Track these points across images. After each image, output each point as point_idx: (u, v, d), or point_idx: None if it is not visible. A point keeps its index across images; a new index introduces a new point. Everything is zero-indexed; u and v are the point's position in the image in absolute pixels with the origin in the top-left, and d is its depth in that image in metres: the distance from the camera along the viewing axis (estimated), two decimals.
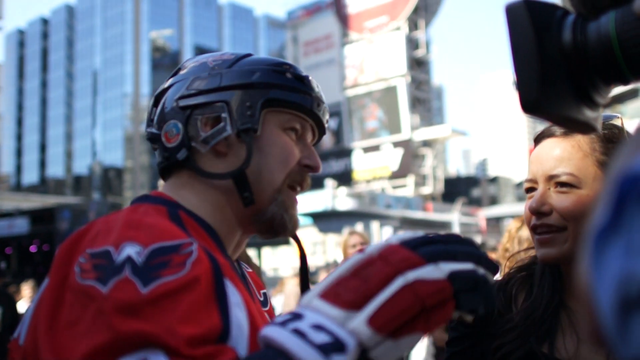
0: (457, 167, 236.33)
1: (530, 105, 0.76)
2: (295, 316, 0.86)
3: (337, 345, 0.81)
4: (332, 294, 0.86)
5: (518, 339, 1.40)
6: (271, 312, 1.42)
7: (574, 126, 0.83)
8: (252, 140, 1.24)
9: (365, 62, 61.77)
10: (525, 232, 3.40)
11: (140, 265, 0.94)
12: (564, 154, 1.42)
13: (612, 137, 1.42)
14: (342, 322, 0.83)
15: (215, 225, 1.24)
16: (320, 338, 0.81)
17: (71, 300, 0.95)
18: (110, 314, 0.89)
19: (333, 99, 61.49)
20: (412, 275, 0.86)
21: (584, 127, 0.81)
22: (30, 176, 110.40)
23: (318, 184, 43.41)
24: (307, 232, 36.71)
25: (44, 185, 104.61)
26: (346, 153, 61.72)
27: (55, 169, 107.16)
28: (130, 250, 0.96)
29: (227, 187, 1.25)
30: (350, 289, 0.86)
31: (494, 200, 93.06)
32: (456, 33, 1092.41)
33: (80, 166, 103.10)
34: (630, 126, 1.47)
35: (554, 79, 0.76)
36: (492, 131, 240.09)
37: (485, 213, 54.12)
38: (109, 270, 0.94)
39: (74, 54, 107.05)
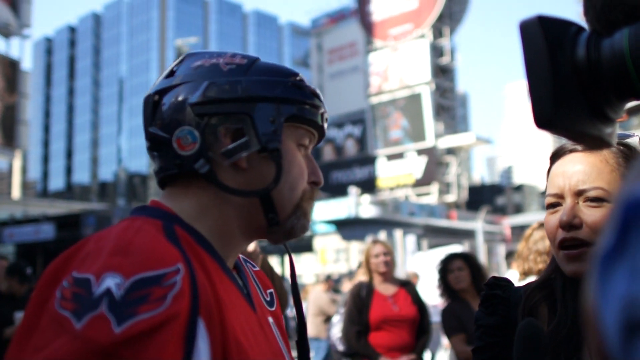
0: (482, 175, 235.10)
1: (544, 121, 0.76)
2: None
3: None
4: None
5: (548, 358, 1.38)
6: (278, 313, 1.39)
7: (589, 141, 0.83)
8: (280, 159, 1.21)
9: (390, 70, 61.70)
10: (532, 239, 3.44)
11: (118, 299, 0.91)
12: (592, 168, 1.40)
13: (633, 156, 1.42)
14: None
15: (215, 238, 1.20)
16: None
17: (45, 325, 0.93)
18: (80, 354, 0.87)
19: (357, 107, 61.55)
20: None
21: (599, 142, 0.81)
22: (57, 182, 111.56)
23: (342, 191, 43.38)
24: (330, 240, 36.69)
25: (69, 191, 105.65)
26: (370, 160, 61.63)
27: (81, 176, 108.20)
28: (110, 282, 0.93)
29: (243, 203, 1.22)
30: None
31: (518, 209, 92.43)
32: (481, 41, 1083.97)
33: (106, 172, 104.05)
34: None
35: (568, 95, 0.76)
36: (516, 139, 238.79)
37: (509, 221, 53.70)
38: (86, 303, 0.91)
39: (101, 61, 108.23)
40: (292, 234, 1.27)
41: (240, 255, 1.37)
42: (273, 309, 1.37)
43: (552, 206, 1.46)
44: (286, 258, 1.46)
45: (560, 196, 1.44)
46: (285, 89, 1.24)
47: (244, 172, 1.21)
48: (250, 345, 1.11)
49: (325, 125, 1.33)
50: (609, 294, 0.46)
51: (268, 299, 1.38)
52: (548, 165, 1.54)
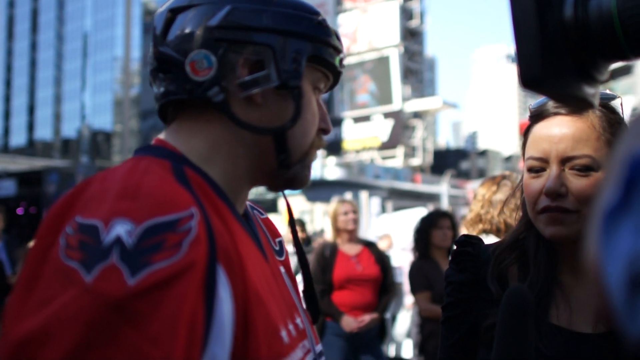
0: (447, 139, 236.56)
1: (531, 81, 0.75)
2: None
3: None
4: None
5: None
6: (287, 262, 1.33)
7: (573, 103, 0.82)
8: (300, 98, 1.14)
9: (359, 32, 61.38)
10: (499, 196, 3.39)
11: (130, 248, 0.84)
12: (581, 134, 1.37)
13: (617, 119, 1.39)
14: None
15: (225, 181, 1.13)
16: None
17: (50, 275, 0.86)
18: (91, 308, 0.81)
19: None
20: None
21: (583, 104, 0.80)
22: (18, 138, 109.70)
23: None
24: (295, 201, 36.73)
25: (31, 147, 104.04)
26: (336, 122, 61.48)
27: (44, 132, 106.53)
28: (120, 230, 0.85)
29: (254, 141, 1.14)
30: None
31: (482, 173, 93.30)
32: (451, 4, 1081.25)
33: (69, 129, 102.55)
34: (623, 102, 1.46)
35: (555, 55, 0.75)
36: (482, 104, 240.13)
37: (473, 186, 54.22)
38: (95, 253, 0.84)
39: (64, 15, 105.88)
40: (293, 183, 1.21)
41: (248, 202, 1.29)
42: (282, 258, 1.32)
43: (534, 170, 1.43)
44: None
45: (545, 161, 1.40)
46: (311, 25, 1.15)
47: (258, 107, 1.13)
48: (267, 297, 1.05)
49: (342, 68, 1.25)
50: (613, 250, 0.46)
51: (277, 248, 1.33)
52: (528, 123, 1.49)
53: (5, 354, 0.83)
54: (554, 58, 0.76)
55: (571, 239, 1.38)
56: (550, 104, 1.43)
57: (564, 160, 1.37)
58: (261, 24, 1.11)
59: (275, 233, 1.37)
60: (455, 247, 1.58)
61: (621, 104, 1.43)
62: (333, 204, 5.89)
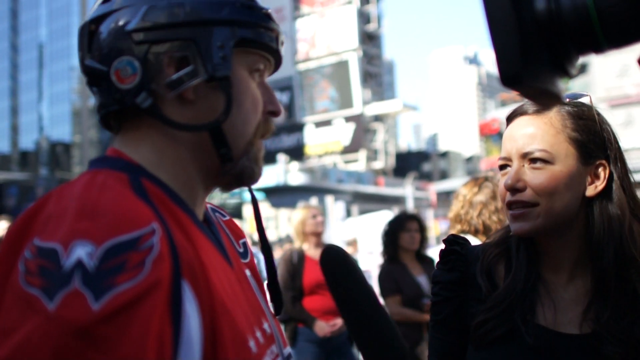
0: (408, 141, 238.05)
1: (513, 79, 0.74)
2: None
3: None
4: None
5: (502, 315, 1.44)
6: (252, 264, 1.31)
7: (546, 99, 0.80)
8: (230, 88, 1.09)
9: (317, 36, 61.54)
10: (480, 197, 3.47)
11: (91, 271, 0.81)
12: (537, 131, 1.45)
13: (582, 115, 1.46)
14: None
15: (179, 187, 1.10)
16: None
17: (10, 303, 0.83)
18: (56, 337, 0.78)
19: (284, 74, 61.16)
20: None
21: (555, 99, 0.79)
22: None
23: (270, 158, 43.18)
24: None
25: None
26: (298, 128, 61.58)
27: (1, 144, 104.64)
28: (81, 252, 0.82)
29: (195, 140, 1.11)
30: None
31: (444, 175, 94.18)
32: (408, 7, 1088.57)
33: (27, 141, 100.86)
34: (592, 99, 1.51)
35: (533, 50, 0.74)
36: (442, 106, 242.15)
37: (436, 187, 54.75)
38: (56, 279, 0.81)
39: (19, 25, 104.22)
40: (242, 178, 1.17)
41: (209, 205, 1.28)
42: (247, 260, 1.30)
43: (502, 168, 1.50)
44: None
45: (509, 159, 1.48)
46: (233, 9, 1.11)
47: (191, 105, 1.09)
48: (232, 305, 1.04)
49: (282, 49, 1.21)
50: None
51: (241, 250, 1.30)
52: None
53: None
54: (532, 53, 0.74)
55: (539, 234, 1.45)
56: (520, 106, 1.51)
57: (523, 156, 1.45)
58: (179, 19, 1.07)
59: (238, 235, 1.34)
60: (443, 246, 1.62)
61: (590, 100, 1.50)
62: (299, 211, 5.90)
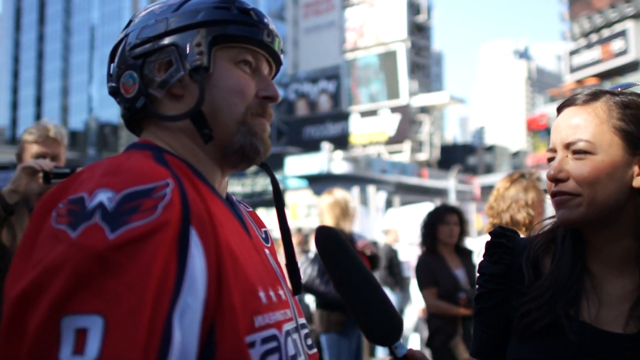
0: (454, 134, 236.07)
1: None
2: None
3: None
4: None
5: (546, 305, 1.43)
6: (273, 249, 1.43)
7: None
8: (203, 77, 1.26)
9: (366, 26, 61.32)
10: (511, 192, 3.54)
11: (110, 211, 0.98)
12: (581, 121, 1.43)
13: (630, 104, 1.43)
14: None
15: (195, 166, 1.27)
16: None
17: (42, 240, 1.00)
18: (76, 259, 0.94)
19: (332, 62, 61.18)
20: None
21: None
22: None
23: (314, 146, 43.41)
24: (302, 195, 36.76)
25: None
26: (343, 117, 61.53)
27: None
28: (103, 197, 0.99)
29: (190, 128, 1.27)
30: None
31: (489, 169, 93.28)
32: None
33: (76, 121, 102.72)
34: None
35: None
36: (490, 100, 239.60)
37: (480, 181, 54.22)
38: (80, 216, 0.98)
39: (72, 7, 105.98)
40: (245, 155, 1.31)
41: (233, 197, 1.42)
42: (269, 245, 1.42)
43: (549, 161, 1.49)
44: (257, 212, 1.45)
45: (554, 150, 1.47)
46: (208, 12, 1.29)
47: (182, 99, 1.28)
48: (245, 261, 1.17)
49: (273, 42, 1.35)
50: None
51: (263, 236, 1.44)
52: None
53: (7, 311, 0.96)
54: None
55: (582, 224, 1.43)
56: (568, 98, 1.51)
57: (566, 147, 1.44)
58: (163, 30, 1.28)
59: (260, 224, 1.48)
60: (490, 238, 1.61)
61: None
62: (335, 194, 5.84)
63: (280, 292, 1.26)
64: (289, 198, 36.20)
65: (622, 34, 44.33)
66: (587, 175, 1.39)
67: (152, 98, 1.29)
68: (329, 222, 5.63)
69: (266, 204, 29.02)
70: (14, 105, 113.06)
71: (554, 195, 1.45)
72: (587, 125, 1.42)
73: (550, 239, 1.54)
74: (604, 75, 45.00)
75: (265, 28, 1.33)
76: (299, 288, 1.43)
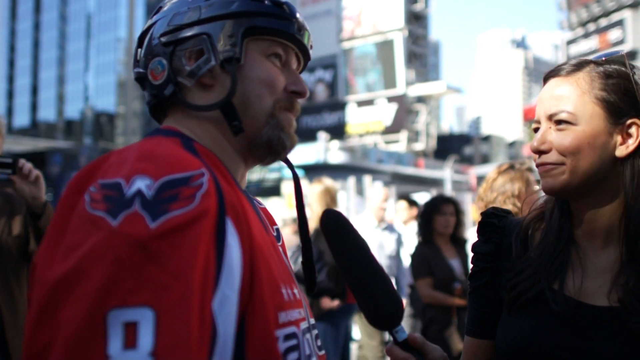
0: (451, 124, 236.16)
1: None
2: None
3: None
4: None
5: (531, 278, 1.45)
6: (284, 247, 1.44)
7: None
8: (235, 68, 1.24)
9: (363, 15, 61.14)
10: (499, 183, 3.55)
11: (149, 199, 0.95)
12: (563, 92, 1.45)
13: (612, 73, 1.44)
14: None
15: (221, 157, 1.25)
16: None
17: (76, 225, 0.96)
18: (118, 247, 0.91)
19: (329, 51, 61.01)
20: None
21: None
22: (22, 119, 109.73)
23: (310, 136, 43.32)
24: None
25: (35, 128, 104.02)
26: (340, 106, 61.43)
27: (47, 113, 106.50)
28: (141, 184, 0.97)
29: (218, 118, 1.26)
30: None
31: (485, 159, 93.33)
32: None
33: (72, 110, 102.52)
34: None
35: None
36: (487, 90, 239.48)
37: (476, 171, 54.25)
38: (119, 203, 0.95)
39: None
40: (272, 148, 1.30)
41: (247, 192, 1.40)
42: (280, 243, 1.42)
43: (535, 132, 1.51)
44: None
45: (538, 122, 1.49)
46: (242, 3, 1.27)
47: (212, 89, 1.27)
48: (269, 254, 1.17)
49: (303, 37, 1.34)
50: None
51: (275, 234, 1.42)
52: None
53: (43, 296, 0.93)
54: None
55: (567, 192, 1.44)
56: (552, 69, 1.52)
57: (549, 118, 1.46)
58: (196, 18, 1.26)
59: (272, 221, 1.46)
60: (481, 218, 1.64)
61: (625, 58, 1.48)
62: (324, 182, 5.89)
63: (295, 290, 1.25)
64: (285, 188, 36.20)
65: (619, 23, 44.27)
66: (569, 146, 1.40)
67: (181, 86, 1.27)
68: (320, 210, 5.63)
69: (263, 193, 28.99)
70: (10, 94, 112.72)
71: (538, 166, 1.47)
72: (569, 96, 1.43)
73: (541, 215, 1.56)
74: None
75: (297, 22, 1.32)
76: (313, 287, 1.43)
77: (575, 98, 1.42)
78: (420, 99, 61.58)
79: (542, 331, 1.41)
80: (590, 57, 1.50)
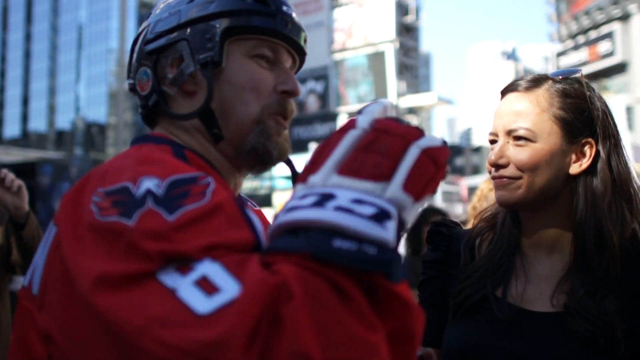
0: (442, 135, 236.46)
1: None
2: (325, 196, 0.83)
3: (383, 215, 0.81)
4: (352, 170, 0.85)
5: (476, 284, 1.49)
6: None
7: None
8: (211, 73, 1.18)
9: (354, 26, 61.27)
10: (492, 193, 3.54)
11: (161, 196, 0.90)
12: (522, 109, 1.48)
13: (571, 93, 1.48)
14: (379, 194, 0.83)
15: (213, 164, 1.21)
16: (367, 210, 0.80)
17: (94, 238, 0.89)
18: (139, 241, 0.84)
19: (320, 62, 61.07)
20: (422, 143, 0.87)
21: None
22: (12, 129, 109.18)
23: (302, 147, 43.28)
24: (288, 196, 36.67)
25: (25, 139, 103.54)
26: (331, 117, 61.39)
27: (38, 124, 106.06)
28: (149, 184, 0.92)
29: (199, 126, 1.22)
30: (371, 163, 0.85)
31: (476, 170, 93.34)
32: (447, 1, 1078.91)
33: (63, 121, 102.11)
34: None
35: None
36: (477, 101, 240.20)
37: (467, 182, 54.36)
38: (131, 204, 0.89)
39: (59, 6, 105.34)
40: (259, 155, 1.23)
41: (241, 194, 1.37)
42: None
43: (492, 143, 1.54)
44: None
45: (496, 135, 1.52)
46: (220, 3, 1.20)
47: (195, 96, 1.21)
48: None
49: (293, 32, 1.26)
50: None
51: None
52: None
53: (87, 286, 0.84)
54: None
55: (521, 205, 1.49)
56: (510, 83, 1.56)
57: (508, 134, 1.49)
58: (175, 23, 1.21)
59: (266, 225, 1.39)
60: (430, 228, 1.69)
61: (582, 77, 1.51)
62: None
63: None
64: (277, 198, 36.18)
65: (609, 35, 44.47)
66: (527, 162, 1.44)
67: (166, 95, 1.23)
68: None
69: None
70: (0, 105, 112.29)
71: (494, 178, 1.50)
72: (528, 113, 1.46)
73: (491, 226, 1.60)
74: (590, 77, 45.04)
75: (283, 17, 1.24)
76: None
77: (534, 115, 1.46)
78: (412, 110, 61.68)
79: (483, 336, 1.45)
80: (547, 74, 1.53)
